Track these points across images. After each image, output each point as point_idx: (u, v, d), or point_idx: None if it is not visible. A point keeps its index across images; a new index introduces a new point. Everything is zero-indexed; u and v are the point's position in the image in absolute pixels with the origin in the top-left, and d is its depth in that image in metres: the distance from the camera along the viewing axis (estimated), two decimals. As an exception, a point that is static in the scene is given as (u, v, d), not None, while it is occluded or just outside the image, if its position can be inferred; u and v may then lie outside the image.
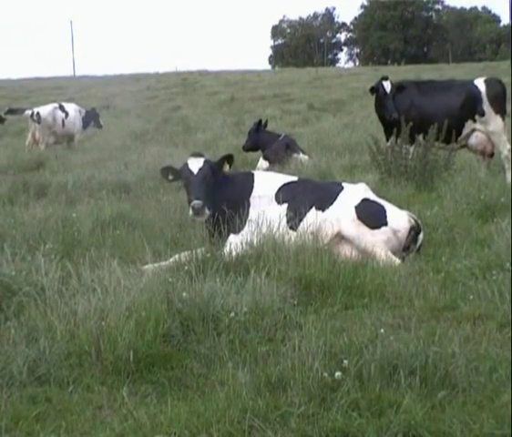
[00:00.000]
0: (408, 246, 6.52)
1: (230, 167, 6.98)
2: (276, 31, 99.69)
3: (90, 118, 18.81)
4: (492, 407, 3.63)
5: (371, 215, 6.52)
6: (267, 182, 7.01)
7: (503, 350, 4.27)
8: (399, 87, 10.59)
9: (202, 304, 4.73)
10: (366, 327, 4.55)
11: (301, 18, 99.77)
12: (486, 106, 10.30)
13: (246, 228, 6.47)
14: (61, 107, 17.80)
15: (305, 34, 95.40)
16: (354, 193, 6.74)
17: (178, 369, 4.24)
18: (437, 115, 10.13)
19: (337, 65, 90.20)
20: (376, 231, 6.45)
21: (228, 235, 6.56)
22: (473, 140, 10.49)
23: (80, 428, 3.63)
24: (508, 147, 10.37)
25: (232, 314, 4.64)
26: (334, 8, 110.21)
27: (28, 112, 17.44)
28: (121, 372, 4.13)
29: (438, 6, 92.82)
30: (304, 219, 6.53)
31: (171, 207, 8.25)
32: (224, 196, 6.74)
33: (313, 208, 6.62)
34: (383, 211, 6.60)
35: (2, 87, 43.43)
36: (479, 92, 10.35)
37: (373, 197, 6.80)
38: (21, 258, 5.59)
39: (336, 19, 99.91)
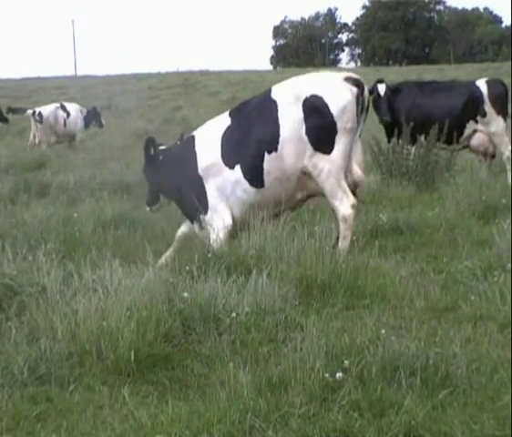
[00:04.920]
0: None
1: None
2: (278, 31, 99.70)
3: (92, 118, 18.85)
4: (493, 408, 3.63)
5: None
6: (209, 144, 6.62)
7: (504, 351, 4.27)
8: (395, 90, 10.60)
9: (203, 304, 4.73)
10: (367, 327, 4.54)
11: (302, 19, 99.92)
12: (488, 107, 10.31)
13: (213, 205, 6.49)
14: (63, 107, 17.83)
15: (307, 34, 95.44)
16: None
17: (179, 369, 4.24)
18: (439, 115, 10.14)
19: (339, 65, 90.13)
20: None
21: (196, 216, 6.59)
22: (474, 141, 10.49)
23: (81, 428, 3.63)
24: (510, 147, 10.37)
25: (234, 314, 4.63)
26: (336, 9, 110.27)
27: (30, 112, 17.48)
28: (122, 372, 4.14)
29: (440, 7, 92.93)
30: (265, 171, 6.31)
31: (172, 207, 8.25)
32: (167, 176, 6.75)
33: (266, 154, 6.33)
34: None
35: (3, 87, 43.46)
36: (481, 93, 10.35)
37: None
38: (22, 257, 5.59)
39: (338, 20, 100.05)
